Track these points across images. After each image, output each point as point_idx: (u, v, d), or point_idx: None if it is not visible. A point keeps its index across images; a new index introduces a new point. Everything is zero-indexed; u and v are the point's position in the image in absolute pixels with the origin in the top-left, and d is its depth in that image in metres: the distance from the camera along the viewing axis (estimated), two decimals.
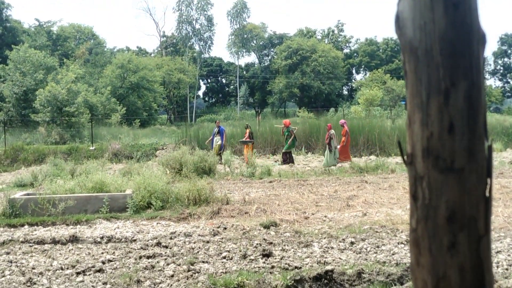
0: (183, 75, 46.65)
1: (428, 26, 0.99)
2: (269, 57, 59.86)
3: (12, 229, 8.62)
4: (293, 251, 6.33)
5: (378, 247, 6.43)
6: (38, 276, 5.84)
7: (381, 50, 60.26)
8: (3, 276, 5.77)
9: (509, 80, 60.48)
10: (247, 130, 18.42)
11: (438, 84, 0.99)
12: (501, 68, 60.84)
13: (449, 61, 0.98)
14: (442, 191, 1.00)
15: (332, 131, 16.63)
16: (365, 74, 58.91)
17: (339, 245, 6.60)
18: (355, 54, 61.91)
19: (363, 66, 61.03)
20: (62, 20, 54.66)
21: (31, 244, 7.71)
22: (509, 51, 60.08)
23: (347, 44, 62.88)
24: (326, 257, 5.96)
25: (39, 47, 38.31)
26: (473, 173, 1.00)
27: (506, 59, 60.55)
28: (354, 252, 6.25)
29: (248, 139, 17.81)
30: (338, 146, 16.97)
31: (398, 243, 6.51)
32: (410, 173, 1.04)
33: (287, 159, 16.79)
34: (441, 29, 0.98)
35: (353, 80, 61.14)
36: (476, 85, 0.99)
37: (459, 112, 0.98)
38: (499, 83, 60.92)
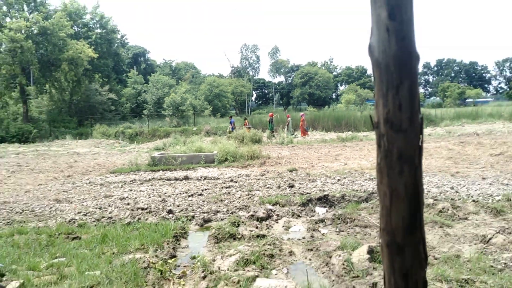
0: (244, 89, 79.02)
1: (387, 50, 1.73)
2: (291, 77, 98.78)
3: (153, 172, 12.91)
4: (305, 184, 9.77)
5: (353, 182, 9.81)
6: (168, 197, 8.69)
7: (354, 72, 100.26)
8: (150, 197, 8.64)
9: (428, 88, 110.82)
10: (246, 121, 30.23)
11: (392, 82, 1.73)
12: (423, 81, 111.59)
13: (398, 70, 1.72)
14: (394, 142, 1.76)
15: (289, 119, 28.21)
16: (345, 86, 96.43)
17: (331, 181, 10.07)
18: (339, 75, 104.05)
19: (344, 82, 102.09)
20: (177, 58, 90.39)
21: (163, 180, 11.30)
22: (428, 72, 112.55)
23: (335, 69, 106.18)
24: (324, 187, 9.25)
25: (165, 74, 66.14)
26: (412, 132, 1.74)
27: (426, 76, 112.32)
28: (340, 184, 9.54)
29: (248, 126, 27.79)
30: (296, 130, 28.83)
31: (365, 180, 10.01)
32: (376, 132, 1.81)
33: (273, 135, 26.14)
34: (394, 52, 1.71)
35: (338, 90, 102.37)
36: (414, 83, 1.72)
37: (404, 98, 1.72)
38: (422, 90, 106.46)
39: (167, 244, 5.45)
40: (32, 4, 39.91)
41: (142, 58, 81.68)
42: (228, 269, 4.51)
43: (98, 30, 51.34)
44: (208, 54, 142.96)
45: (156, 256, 4.91)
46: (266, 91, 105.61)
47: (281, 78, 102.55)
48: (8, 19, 38.12)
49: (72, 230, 6.16)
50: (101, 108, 46.10)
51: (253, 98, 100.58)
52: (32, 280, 4.13)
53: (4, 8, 38.54)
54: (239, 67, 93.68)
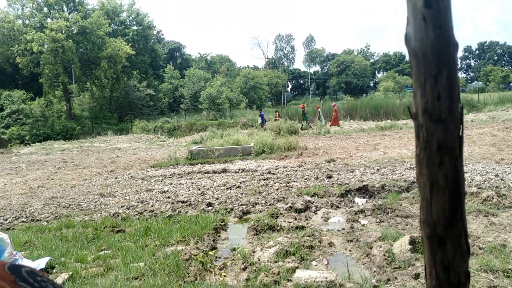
0: (279, 80, 77.95)
1: (424, 40, 1.69)
2: (327, 67, 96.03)
3: (191, 166, 13.06)
4: (344, 175, 9.66)
5: (393, 171, 9.59)
6: (207, 190, 8.78)
7: (392, 59, 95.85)
8: (189, 190, 8.79)
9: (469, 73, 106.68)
10: (277, 113, 31.40)
11: (430, 72, 1.70)
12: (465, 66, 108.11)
13: (436, 59, 1.69)
14: (433, 133, 1.73)
15: (320, 110, 28.33)
16: (383, 74, 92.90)
17: (370, 171, 9.87)
18: (377, 62, 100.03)
19: (381, 69, 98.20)
20: (212, 52, 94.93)
21: (202, 173, 11.38)
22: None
23: (372, 56, 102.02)
24: (363, 178, 8.85)
25: (201, 68, 65.73)
26: (452, 122, 1.71)
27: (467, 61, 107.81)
28: (379, 174, 9.36)
29: (277, 118, 28.87)
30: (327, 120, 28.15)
31: (405, 169, 9.77)
32: (415, 123, 1.78)
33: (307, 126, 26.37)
34: (431, 41, 1.68)
35: (376, 77, 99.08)
36: (453, 72, 1.68)
37: (443, 88, 1.69)
38: (463, 75, 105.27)
39: (207, 236, 5.55)
40: (71, 4, 41.09)
41: (178, 53, 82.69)
42: (268, 261, 4.55)
43: (135, 27, 52.39)
44: (243, 46, 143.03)
45: (197, 248, 5.01)
46: (301, 82, 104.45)
47: (317, 68, 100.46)
48: (49, 20, 39.39)
49: (116, 223, 6.37)
50: (140, 104, 47.11)
51: (288, 89, 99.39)
52: (80, 272, 4.31)
53: (45, 9, 39.85)
54: (273, 58, 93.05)
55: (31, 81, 50.47)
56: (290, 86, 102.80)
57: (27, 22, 39.34)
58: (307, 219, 6.38)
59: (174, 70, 61.99)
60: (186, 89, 53.44)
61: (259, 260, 4.62)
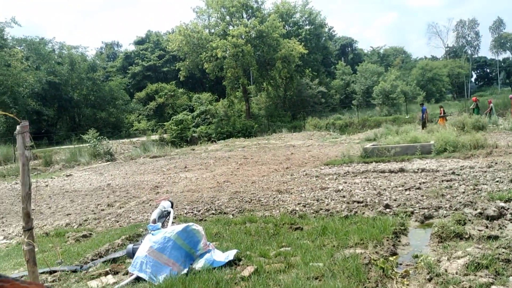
0: (461, 70, 71.14)
1: None
2: None
3: (366, 164, 12.77)
4: None
5: None
6: (383, 190, 8.42)
7: None
8: (364, 190, 8.58)
9: None
10: (441, 109, 27.23)
11: None
12: None
13: None
14: None
15: (491, 104, 25.40)
16: None
17: None
18: None
19: None
20: (386, 45, 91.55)
21: (377, 173, 11.07)
22: None
23: None
24: None
25: (373, 62, 63.96)
26: None
27: None
28: None
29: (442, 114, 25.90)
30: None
31: None
32: None
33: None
34: None
35: None
36: None
37: None
38: None
39: (387, 240, 5.33)
40: (250, 11, 44.09)
41: (349, 49, 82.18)
42: (456, 273, 4.15)
43: (307, 27, 53.73)
44: (419, 36, 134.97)
45: (376, 252, 4.84)
46: (488, 71, 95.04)
47: (507, 55, 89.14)
48: (230, 27, 42.95)
49: (294, 220, 6.57)
50: (312, 101, 48.21)
51: (472, 79, 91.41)
52: (264, 266, 4.55)
53: (227, 18, 43.54)
54: (454, 47, 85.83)
55: (216, 84, 55.85)
56: (474, 76, 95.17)
57: (212, 31, 43.56)
58: (501, 228, 5.65)
59: (345, 66, 61.85)
60: (358, 84, 52.81)
61: (446, 271, 4.24)
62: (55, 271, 5.14)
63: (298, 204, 7.94)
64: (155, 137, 35.93)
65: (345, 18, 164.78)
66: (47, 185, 14.74)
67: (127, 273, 4.85)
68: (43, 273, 4.91)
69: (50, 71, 43.02)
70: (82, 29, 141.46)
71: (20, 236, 7.76)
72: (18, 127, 3.72)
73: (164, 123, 40.05)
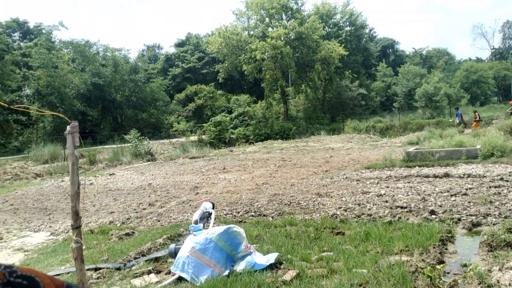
0: (508, 72, 66.70)
1: None
2: None
3: (408, 168, 12.34)
4: None
5: None
6: (427, 196, 8.15)
7: None
8: (408, 195, 8.32)
9: None
10: (476, 113, 26.94)
11: None
12: None
13: None
14: None
15: None
16: None
17: None
18: None
19: None
20: (428, 46, 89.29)
21: (421, 177, 10.76)
22: None
23: None
24: None
25: (415, 63, 62.51)
26: None
27: None
28: None
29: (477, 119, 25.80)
30: None
31: None
32: None
33: None
34: None
35: None
36: None
37: None
38: None
39: (433, 248, 5.15)
40: (289, 12, 43.98)
41: (390, 50, 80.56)
42: (509, 284, 3.96)
43: (348, 28, 53.09)
44: (463, 37, 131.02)
45: (422, 260, 4.69)
46: None
47: None
48: (270, 29, 42.97)
49: (335, 225, 6.46)
50: (351, 104, 47.58)
51: None
52: (306, 271, 4.48)
53: (267, 19, 43.59)
54: (500, 48, 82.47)
55: (254, 86, 56.02)
56: None
57: (251, 32, 43.72)
58: None
59: (386, 67, 60.61)
60: (399, 86, 51.62)
61: (498, 282, 4.05)
62: (100, 268, 5.26)
63: (339, 208, 7.81)
64: (193, 138, 36.37)
65: (387, 19, 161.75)
66: (91, 184, 15.17)
67: (169, 272, 4.89)
68: (88, 270, 5.03)
69: (94, 73, 44.32)
70: (125, 32, 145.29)
71: (66, 232, 8.02)
72: (68, 127, 3.82)
73: (203, 125, 40.49)
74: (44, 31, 52.42)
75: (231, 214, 8.14)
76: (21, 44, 54.25)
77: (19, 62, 46.65)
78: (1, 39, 41.78)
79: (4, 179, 18.86)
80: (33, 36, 56.64)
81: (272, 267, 4.72)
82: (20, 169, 20.71)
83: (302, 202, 8.74)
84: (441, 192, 8.48)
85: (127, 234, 7.20)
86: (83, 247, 4.18)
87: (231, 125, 41.18)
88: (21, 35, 59.87)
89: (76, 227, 3.85)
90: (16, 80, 41.57)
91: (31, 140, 36.75)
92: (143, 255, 5.73)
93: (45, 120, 39.47)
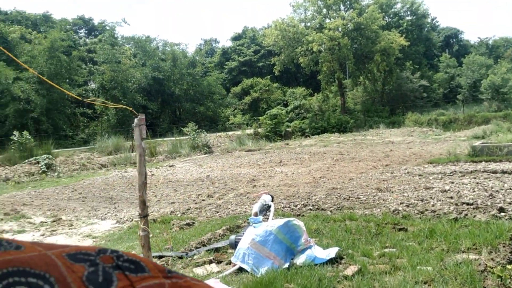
0: None
1: None
2: None
3: (474, 163, 11.74)
4: None
5: None
6: (495, 192, 7.72)
7: None
8: (474, 191, 7.93)
9: None
10: None
11: None
12: None
13: None
14: None
15: None
16: None
17: None
18: None
19: None
20: (495, 35, 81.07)
21: (488, 173, 10.26)
22: None
23: None
24: None
25: (481, 54, 58.04)
26: None
27: None
28: None
29: None
30: None
31: None
32: None
33: None
34: None
35: None
36: None
37: None
38: None
39: (503, 246, 4.88)
40: (347, 2, 43.09)
41: (454, 40, 76.98)
42: None
43: (409, 17, 51.29)
44: None
45: (491, 259, 4.46)
46: None
47: None
48: (327, 20, 42.34)
49: (397, 221, 6.29)
50: (412, 96, 46.03)
51: None
52: (367, 267, 4.40)
53: (324, 10, 42.98)
54: None
55: (310, 78, 55.55)
56: None
57: (308, 24, 43.27)
58: None
59: (450, 58, 58.00)
60: (464, 78, 49.27)
61: None
62: (163, 256, 5.44)
63: (401, 203, 7.59)
64: (249, 131, 36.63)
65: (450, 8, 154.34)
66: (152, 175, 15.70)
67: (229, 262, 4.97)
68: (153, 257, 5.22)
69: (154, 67, 45.73)
70: (183, 27, 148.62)
71: (131, 221, 8.36)
72: (136, 120, 3.97)
73: (259, 118, 40.71)
74: (107, 28, 54.89)
75: (289, 207, 8.14)
76: (87, 40, 57.12)
77: (85, 58, 49.12)
78: (68, 36, 44.10)
79: (72, 169, 19.93)
80: (97, 33, 59.41)
81: (333, 261, 4.67)
82: (86, 160, 21.81)
83: (361, 196, 8.57)
84: (510, 189, 8.02)
85: (188, 224, 7.39)
86: (150, 235, 4.33)
87: (287, 118, 41.08)
88: (86, 31, 62.98)
89: (144, 216, 4.00)
90: (83, 75, 43.87)
91: (96, 132, 38.58)
92: (204, 245, 5.86)
93: (109, 113, 41.28)
